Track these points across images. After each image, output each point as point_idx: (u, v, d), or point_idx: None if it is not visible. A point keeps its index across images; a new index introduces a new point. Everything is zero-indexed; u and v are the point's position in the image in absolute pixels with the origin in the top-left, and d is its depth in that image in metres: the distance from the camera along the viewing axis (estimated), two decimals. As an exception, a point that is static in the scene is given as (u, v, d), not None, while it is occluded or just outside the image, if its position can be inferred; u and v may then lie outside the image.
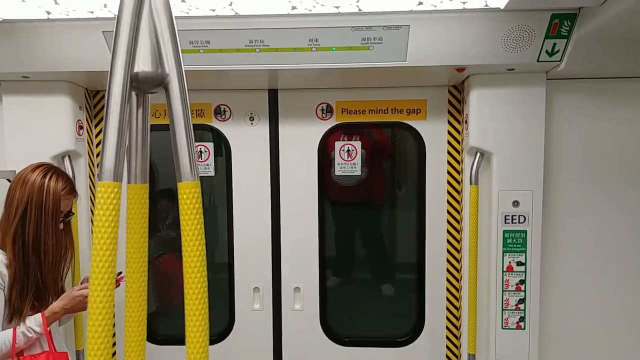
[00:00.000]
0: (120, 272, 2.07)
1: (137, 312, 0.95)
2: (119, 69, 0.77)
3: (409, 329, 2.95)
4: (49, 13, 2.12)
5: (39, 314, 2.06)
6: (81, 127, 2.70)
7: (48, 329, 2.07)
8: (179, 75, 0.84)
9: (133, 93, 0.90)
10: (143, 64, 0.83)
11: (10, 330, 1.99)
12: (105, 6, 2.06)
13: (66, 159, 2.61)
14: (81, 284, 2.27)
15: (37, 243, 2.04)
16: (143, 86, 0.85)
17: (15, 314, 2.02)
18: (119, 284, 2.15)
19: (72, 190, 2.17)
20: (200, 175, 2.64)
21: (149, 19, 0.83)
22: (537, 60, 2.27)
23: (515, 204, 2.51)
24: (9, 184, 2.37)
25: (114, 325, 2.91)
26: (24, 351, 2.05)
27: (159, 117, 2.78)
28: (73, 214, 2.24)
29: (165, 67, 0.84)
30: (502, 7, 2.06)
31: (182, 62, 0.85)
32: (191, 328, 0.81)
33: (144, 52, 0.83)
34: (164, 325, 3.10)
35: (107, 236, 0.75)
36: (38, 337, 2.06)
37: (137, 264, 0.95)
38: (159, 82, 0.85)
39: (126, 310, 0.95)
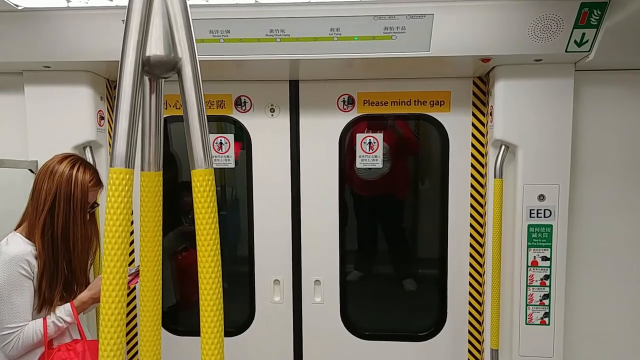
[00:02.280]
0: (138, 266, 2.09)
1: (152, 300, 0.95)
2: (131, 52, 0.76)
3: (431, 324, 2.93)
4: (68, 1, 2.13)
5: (68, 304, 2.09)
6: (102, 118, 2.72)
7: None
8: (192, 59, 0.82)
9: (146, 78, 0.89)
10: (155, 48, 0.81)
11: (41, 320, 2.02)
12: (124, -7, 2.06)
13: (87, 150, 2.63)
14: None
15: (66, 234, 2.07)
16: (155, 70, 0.84)
17: (45, 304, 2.05)
18: (135, 282, 2.17)
19: (98, 182, 2.19)
20: (220, 166, 2.63)
21: (161, 2, 0.81)
22: (566, 51, 2.21)
23: (541, 197, 2.46)
24: (30, 174, 2.40)
25: (134, 316, 2.94)
26: (54, 340, 2.08)
27: (180, 108, 2.79)
28: (98, 204, 2.26)
29: (178, 51, 0.82)
30: (529, -5, 2.01)
31: (195, 47, 0.83)
32: (206, 315, 0.81)
33: (156, 35, 0.81)
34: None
35: (119, 223, 0.74)
36: (67, 327, 2.09)
37: (152, 253, 0.94)
38: (171, 66, 0.83)
39: (141, 299, 0.95)
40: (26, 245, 2.04)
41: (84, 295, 2.15)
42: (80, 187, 2.09)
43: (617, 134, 2.52)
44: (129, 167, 0.75)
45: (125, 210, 0.75)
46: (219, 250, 0.83)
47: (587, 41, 2.17)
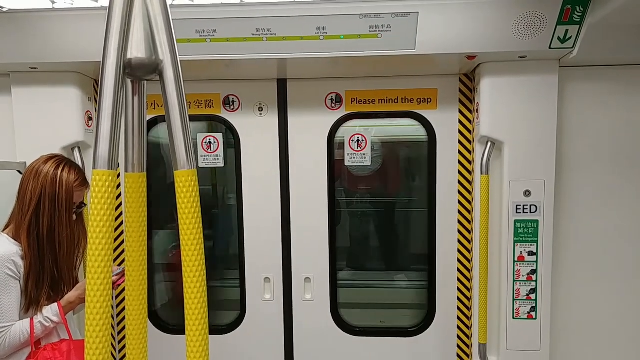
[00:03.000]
0: (122, 267, 2.09)
1: (138, 298, 0.96)
2: (112, 54, 0.77)
3: (420, 319, 2.95)
4: (53, 2, 2.13)
5: (55, 304, 2.09)
6: (90, 119, 2.72)
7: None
8: (174, 61, 0.83)
9: (128, 80, 0.90)
10: (137, 50, 0.82)
11: (28, 320, 2.02)
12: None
13: (76, 151, 2.63)
14: None
15: (52, 234, 2.07)
16: (137, 73, 0.84)
17: (32, 304, 2.05)
18: (121, 283, 2.17)
19: (84, 182, 2.18)
20: (209, 166, 2.64)
21: (142, 3, 0.82)
22: (549, 47, 2.24)
23: (527, 193, 2.49)
24: (19, 175, 2.40)
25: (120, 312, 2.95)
26: (42, 340, 2.08)
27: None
28: (85, 205, 2.26)
29: (159, 54, 0.83)
30: (512, -7, 2.03)
31: (176, 49, 0.84)
32: (190, 313, 0.81)
33: (138, 38, 0.82)
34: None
35: (102, 224, 0.74)
36: (55, 326, 2.09)
37: (137, 253, 0.95)
38: (153, 68, 0.84)
39: (127, 297, 0.96)
40: (12, 245, 2.04)
41: (71, 295, 2.15)
42: (65, 187, 2.09)
43: (602, 129, 2.55)
44: (112, 169, 0.76)
45: (109, 211, 0.75)
46: (203, 250, 0.84)
47: (570, 38, 2.20)
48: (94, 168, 0.76)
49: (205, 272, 0.83)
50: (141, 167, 0.95)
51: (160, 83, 0.84)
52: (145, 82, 0.92)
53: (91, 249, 0.74)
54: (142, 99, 0.93)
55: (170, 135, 0.83)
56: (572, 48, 2.24)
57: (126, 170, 0.95)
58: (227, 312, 3.06)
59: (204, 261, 0.84)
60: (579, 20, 2.13)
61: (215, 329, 2.96)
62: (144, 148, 0.96)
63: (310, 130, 2.84)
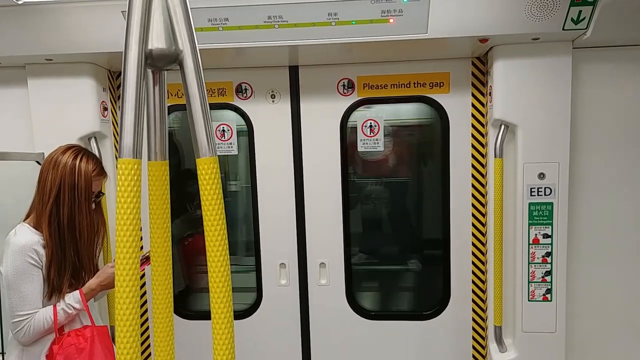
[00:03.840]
0: (148, 252, 2.13)
1: (163, 285, 0.98)
2: (133, 46, 0.78)
3: (435, 302, 2.97)
4: None
5: (77, 291, 2.14)
6: (105, 109, 2.75)
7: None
8: (193, 51, 0.84)
9: (149, 70, 0.91)
10: (157, 41, 0.83)
11: (51, 307, 2.08)
12: (124, -14, 2.07)
13: (92, 141, 2.66)
14: (114, 260, 2.34)
15: (72, 223, 2.11)
16: (158, 63, 0.86)
17: (54, 292, 2.10)
18: (144, 268, 2.21)
19: (102, 171, 2.22)
20: (222, 154, 2.66)
21: None
22: (563, 29, 2.21)
23: (541, 176, 2.48)
24: (37, 166, 2.44)
25: (145, 301, 3.00)
26: (65, 327, 2.14)
27: (181, 97, 2.81)
28: (103, 194, 2.30)
29: (179, 44, 0.84)
30: (524, -27, 2.01)
31: (195, 38, 0.85)
32: (215, 299, 0.83)
33: (158, 29, 0.83)
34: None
35: (129, 212, 0.76)
36: (77, 313, 2.15)
37: (161, 239, 0.97)
38: (173, 58, 0.85)
39: (153, 286, 0.98)
40: (34, 235, 2.09)
41: (92, 282, 2.20)
42: (84, 176, 2.13)
43: (616, 110, 2.53)
44: (136, 158, 0.78)
45: (135, 198, 0.77)
46: (226, 236, 0.85)
47: (583, 18, 2.17)
48: (119, 157, 0.78)
49: (229, 257, 0.85)
50: (163, 155, 0.97)
51: (180, 73, 0.85)
52: (165, 72, 0.93)
53: (119, 235, 0.76)
54: (162, 88, 0.95)
55: (192, 123, 0.84)
56: (585, 29, 2.22)
57: (149, 159, 0.96)
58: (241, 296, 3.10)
59: (227, 246, 0.85)
60: (592, 0, 2.10)
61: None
62: (165, 137, 0.97)
63: (322, 116, 2.85)
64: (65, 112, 2.62)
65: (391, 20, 2.23)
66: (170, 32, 0.84)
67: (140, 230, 0.79)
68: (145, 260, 2.18)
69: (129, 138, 0.77)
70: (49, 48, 2.42)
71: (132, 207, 0.77)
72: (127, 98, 0.77)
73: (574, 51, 2.40)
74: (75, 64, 2.58)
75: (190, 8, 0.86)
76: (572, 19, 2.18)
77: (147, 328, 3.03)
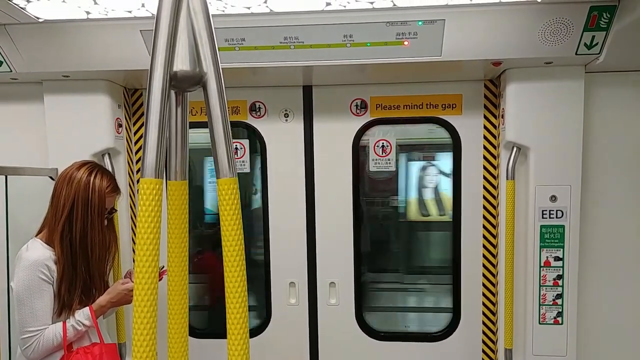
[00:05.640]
0: (163, 266, 2.13)
1: (179, 304, 0.98)
2: (159, 68, 0.80)
3: (445, 324, 2.95)
4: (88, 13, 2.18)
5: (87, 308, 2.14)
6: (120, 125, 2.77)
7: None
8: (217, 73, 0.86)
9: (172, 92, 0.92)
10: (182, 63, 0.84)
11: (61, 324, 2.07)
12: (142, 5, 2.11)
13: (106, 157, 2.68)
14: (124, 278, 2.34)
15: (84, 239, 2.11)
16: (182, 85, 0.87)
17: (64, 308, 2.09)
18: (162, 277, 2.20)
19: (116, 188, 2.23)
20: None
21: (186, 18, 0.84)
22: (576, 54, 2.24)
23: (553, 198, 2.48)
24: (51, 181, 2.46)
25: None
26: (73, 343, 2.13)
27: (195, 115, 2.83)
28: (116, 210, 2.30)
29: (203, 66, 0.85)
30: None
31: (219, 61, 0.87)
32: (232, 320, 0.83)
33: (182, 51, 0.84)
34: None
35: (150, 231, 0.77)
36: (86, 330, 2.13)
37: (178, 258, 0.97)
38: (197, 80, 0.86)
39: (169, 304, 0.98)
40: (45, 250, 2.09)
41: (103, 299, 2.19)
42: (98, 193, 2.13)
43: (628, 134, 2.54)
44: (158, 177, 0.79)
45: (156, 217, 0.78)
46: (244, 256, 0.86)
47: (597, 44, 2.19)
48: (141, 177, 0.79)
49: (246, 276, 0.85)
50: (183, 175, 0.98)
51: (203, 94, 0.87)
52: (188, 93, 0.94)
53: (139, 254, 0.77)
54: (184, 109, 0.96)
55: (213, 144, 0.85)
56: (598, 54, 2.24)
57: (169, 179, 0.97)
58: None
59: (245, 265, 0.86)
60: (605, 26, 2.13)
61: None
62: (186, 157, 0.98)
63: (335, 135, 2.86)
64: (80, 128, 2.64)
65: (406, 43, 2.26)
66: (194, 55, 0.85)
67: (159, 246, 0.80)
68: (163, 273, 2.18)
69: (151, 158, 0.78)
70: (66, 65, 2.45)
71: (153, 226, 0.78)
72: (150, 119, 0.78)
73: (587, 75, 2.42)
74: (92, 80, 2.60)
75: (215, 29, 0.87)
76: (585, 44, 2.20)
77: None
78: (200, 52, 0.85)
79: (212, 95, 0.85)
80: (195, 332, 3.04)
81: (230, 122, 2.58)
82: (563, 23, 2.14)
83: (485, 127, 2.76)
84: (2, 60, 2.43)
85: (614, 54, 2.22)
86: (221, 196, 0.85)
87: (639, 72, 2.48)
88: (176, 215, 0.97)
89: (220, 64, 0.87)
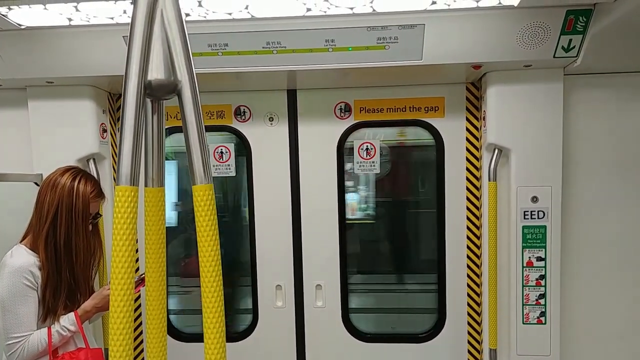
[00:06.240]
0: (143, 273, 2.14)
1: (157, 309, 0.99)
2: (133, 77, 0.81)
3: (431, 325, 2.97)
4: (70, 20, 2.19)
5: (72, 313, 2.14)
6: (105, 131, 2.77)
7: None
8: (191, 82, 0.87)
9: (148, 100, 0.94)
10: (156, 72, 0.86)
11: (46, 329, 2.07)
12: (124, 12, 2.13)
13: (91, 162, 2.68)
14: (109, 283, 2.34)
15: (69, 245, 2.12)
16: (157, 93, 0.88)
17: (49, 314, 2.10)
18: (139, 289, 2.21)
19: (100, 193, 2.24)
20: (221, 175, 2.69)
21: (160, 28, 0.86)
22: (554, 56, 2.27)
23: (534, 199, 2.51)
24: (36, 187, 2.46)
25: (140, 323, 2.99)
26: (59, 349, 2.13)
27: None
28: (100, 215, 2.31)
29: (177, 75, 0.87)
30: (515, 4, 2.07)
31: (193, 70, 0.88)
32: (208, 323, 0.84)
33: (157, 60, 0.86)
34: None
35: (125, 237, 0.78)
36: (72, 335, 2.14)
37: (156, 264, 0.99)
38: (171, 89, 0.88)
39: (147, 308, 1.00)
40: (30, 256, 2.09)
41: (88, 304, 2.20)
42: (82, 198, 2.14)
43: (607, 135, 2.58)
44: (133, 185, 0.80)
45: (131, 224, 0.79)
46: (220, 260, 0.87)
47: (574, 47, 2.23)
48: (117, 184, 0.80)
49: (222, 281, 0.87)
50: (160, 182, 0.99)
51: (178, 102, 0.88)
52: (164, 101, 0.96)
53: (114, 259, 0.78)
54: (160, 117, 0.97)
55: (188, 151, 0.87)
56: (576, 57, 2.27)
57: (146, 185, 0.98)
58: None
59: (221, 270, 0.87)
60: (582, 30, 2.16)
61: (228, 337, 3.00)
62: (162, 164, 1.00)
63: (320, 139, 2.89)
64: (64, 134, 2.64)
65: (387, 47, 2.28)
66: (169, 63, 0.87)
67: (136, 252, 0.81)
68: (141, 281, 2.19)
69: (126, 166, 0.79)
70: (50, 71, 2.45)
71: (128, 233, 0.79)
72: (125, 127, 0.80)
73: (565, 77, 2.46)
74: (76, 86, 2.61)
75: (189, 35, 0.88)
76: (562, 47, 2.23)
77: (142, 350, 3.02)
78: (174, 60, 0.87)
79: (186, 103, 0.87)
80: (181, 335, 3.06)
81: (215, 126, 2.60)
82: (540, 27, 2.17)
83: (467, 130, 2.79)
84: None
85: (591, 56, 2.25)
86: (197, 202, 0.86)
87: (616, 74, 2.52)
88: (153, 222, 0.99)
89: (194, 73, 0.88)
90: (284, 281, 2.96)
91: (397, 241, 3.31)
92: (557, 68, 2.42)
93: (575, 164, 2.59)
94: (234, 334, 3.02)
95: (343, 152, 2.91)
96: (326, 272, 2.95)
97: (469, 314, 2.89)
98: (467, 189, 2.83)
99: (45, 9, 2.05)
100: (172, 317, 3.22)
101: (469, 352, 2.92)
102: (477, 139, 2.79)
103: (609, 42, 2.18)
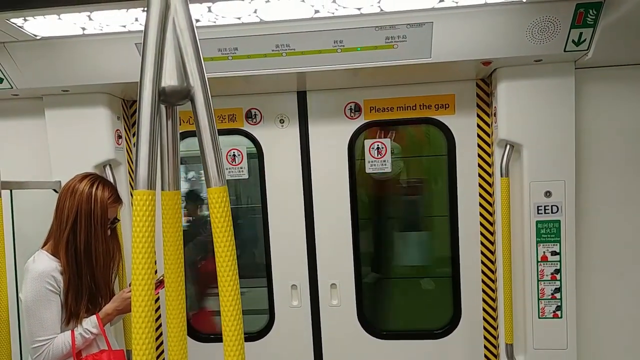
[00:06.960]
0: (162, 276, 2.18)
1: (177, 310, 1.01)
2: (148, 84, 0.83)
3: (447, 321, 2.98)
4: (84, 29, 2.23)
5: (94, 316, 2.19)
6: (120, 137, 2.82)
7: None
8: (204, 87, 0.89)
9: (162, 106, 0.96)
10: (170, 79, 0.88)
11: (69, 332, 2.12)
12: (136, 19, 2.16)
13: (107, 168, 2.73)
14: (130, 285, 2.39)
15: (88, 249, 2.17)
16: (170, 99, 0.91)
17: (72, 317, 2.15)
18: (158, 291, 2.25)
19: (117, 198, 2.28)
20: (234, 178, 2.72)
21: (173, 35, 0.88)
22: (564, 50, 2.26)
23: (548, 194, 2.51)
24: (55, 194, 2.52)
25: (160, 325, 3.04)
26: (82, 351, 2.18)
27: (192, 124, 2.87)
28: (118, 220, 2.36)
29: (190, 81, 0.89)
30: (524, -1, 2.07)
31: (205, 75, 0.90)
32: (227, 324, 0.86)
33: (170, 67, 0.88)
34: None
35: (144, 240, 0.81)
36: (94, 338, 2.19)
37: (174, 265, 1.01)
38: (185, 94, 0.90)
39: (167, 310, 1.02)
40: (51, 261, 2.14)
41: (109, 307, 2.25)
42: (100, 204, 2.19)
43: (620, 128, 2.56)
44: (151, 189, 0.82)
45: (150, 227, 0.82)
46: (236, 261, 0.89)
47: (584, 40, 2.22)
48: (134, 189, 0.82)
49: (238, 282, 0.88)
50: (176, 185, 1.01)
51: (191, 107, 0.90)
52: (177, 106, 0.98)
53: (134, 262, 0.80)
54: (175, 122, 1.00)
55: (202, 154, 0.88)
56: (587, 50, 2.26)
57: (162, 189, 1.00)
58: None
59: (237, 270, 0.89)
60: (592, 22, 2.15)
61: (245, 337, 3.02)
62: (178, 168, 1.02)
63: (330, 139, 2.90)
64: (81, 141, 2.69)
65: (395, 46, 2.29)
66: (182, 70, 0.89)
67: (155, 254, 0.83)
68: (160, 284, 2.23)
69: (143, 170, 0.82)
70: (66, 80, 2.50)
71: (147, 235, 0.81)
72: (142, 133, 0.82)
73: (577, 71, 2.45)
74: (91, 94, 2.65)
75: (200, 41, 0.90)
76: (573, 41, 2.22)
77: (162, 352, 3.07)
78: (187, 67, 0.89)
79: (199, 108, 0.88)
80: (199, 336, 3.10)
81: (227, 129, 2.63)
82: (550, 21, 2.16)
83: (478, 126, 2.79)
84: (3, 77, 2.49)
85: (602, 49, 2.24)
86: (212, 205, 0.88)
87: (628, 67, 2.49)
88: (170, 224, 1.01)
89: (206, 78, 0.90)
90: (299, 281, 2.99)
91: (410, 239, 3.31)
92: (568, 62, 2.41)
93: (588, 158, 2.58)
94: (251, 334, 3.05)
95: (354, 152, 2.93)
96: (341, 271, 2.96)
97: (484, 310, 2.90)
98: (480, 185, 2.83)
99: (59, 19, 2.09)
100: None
101: (485, 347, 2.92)
102: (488, 135, 2.79)
103: (621, 34, 2.16)
